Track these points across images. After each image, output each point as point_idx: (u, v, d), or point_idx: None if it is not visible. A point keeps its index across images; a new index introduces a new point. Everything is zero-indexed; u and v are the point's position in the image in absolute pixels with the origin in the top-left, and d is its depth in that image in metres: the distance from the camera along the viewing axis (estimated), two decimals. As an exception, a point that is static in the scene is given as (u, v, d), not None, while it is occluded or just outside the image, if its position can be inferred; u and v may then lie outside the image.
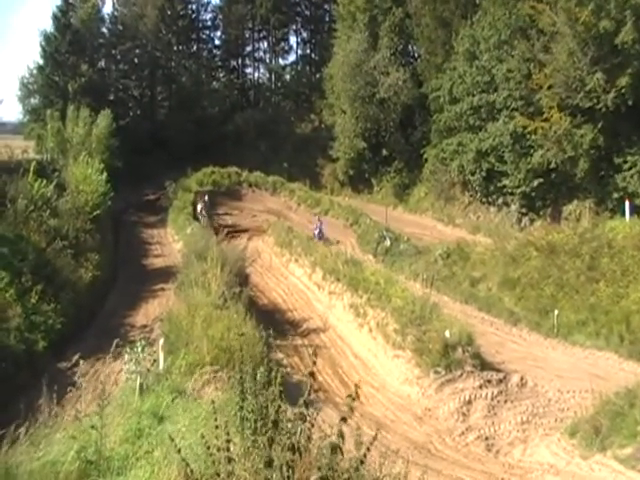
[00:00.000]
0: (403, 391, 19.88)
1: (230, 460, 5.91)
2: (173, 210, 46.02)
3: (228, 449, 5.93)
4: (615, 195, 33.85)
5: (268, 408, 8.08)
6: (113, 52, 64.57)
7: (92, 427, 9.18)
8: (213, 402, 7.74)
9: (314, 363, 4.09)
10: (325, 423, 7.75)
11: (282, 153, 56.95)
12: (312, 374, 4.10)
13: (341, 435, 4.09)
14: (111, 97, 62.69)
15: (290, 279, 33.19)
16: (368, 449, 4.50)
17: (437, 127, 45.56)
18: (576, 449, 15.70)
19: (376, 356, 22.12)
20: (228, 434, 6.02)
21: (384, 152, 51.19)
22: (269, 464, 3.93)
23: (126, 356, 15.89)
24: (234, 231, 42.91)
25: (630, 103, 32.65)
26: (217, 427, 6.54)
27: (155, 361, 17.00)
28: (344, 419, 4.17)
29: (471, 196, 41.94)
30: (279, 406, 4.18)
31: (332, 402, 19.04)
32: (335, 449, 3.97)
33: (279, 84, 73.37)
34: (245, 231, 43.31)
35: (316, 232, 38.85)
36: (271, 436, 4.05)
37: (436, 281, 27.82)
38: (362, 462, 4.28)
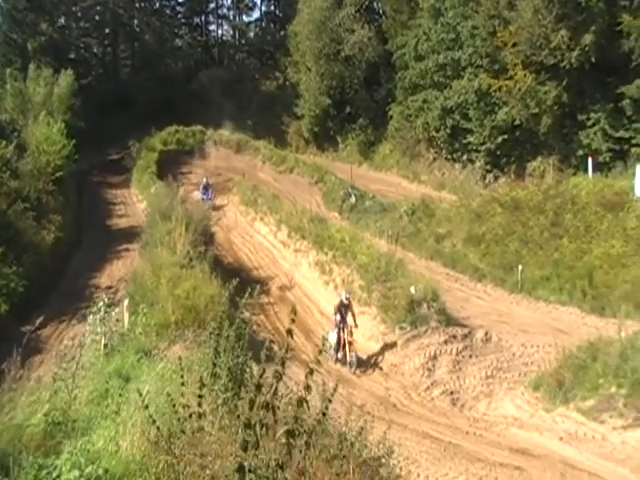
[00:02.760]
0: (369, 347, 20.01)
1: (200, 416, 5.88)
2: (137, 170, 45.45)
3: (200, 405, 5.91)
4: (579, 152, 34.01)
5: (240, 366, 8.15)
6: (73, 9, 62.81)
7: (58, 389, 9.06)
8: (180, 360, 7.67)
9: (293, 321, 3.99)
10: (292, 380, 7.72)
11: (247, 111, 56.23)
12: (290, 332, 4.03)
13: (307, 388, 4.00)
14: (72, 56, 61.23)
15: (256, 237, 33.09)
16: (330, 400, 4.47)
17: (402, 84, 45.28)
18: (540, 402, 16.00)
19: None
20: (199, 391, 5.98)
21: (349, 109, 50.86)
22: (249, 425, 3.85)
23: (90, 317, 15.73)
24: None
25: (594, 61, 32.68)
26: (183, 384, 6.51)
27: (119, 321, 16.88)
28: (310, 372, 4.08)
29: (436, 153, 41.93)
30: (263, 369, 4.09)
31: (298, 359, 19.07)
32: (301, 403, 3.88)
33: (243, 42, 72.21)
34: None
35: (202, 194, 39.88)
36: (252, 397, 3.96)
37: (401, 238, 27.92)
38: (324, 414, 4.20)
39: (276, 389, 3.87)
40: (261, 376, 4.27)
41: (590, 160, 31.32)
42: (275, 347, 17.30)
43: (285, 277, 27.27)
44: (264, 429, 3.76)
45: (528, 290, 23.13)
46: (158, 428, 5.98)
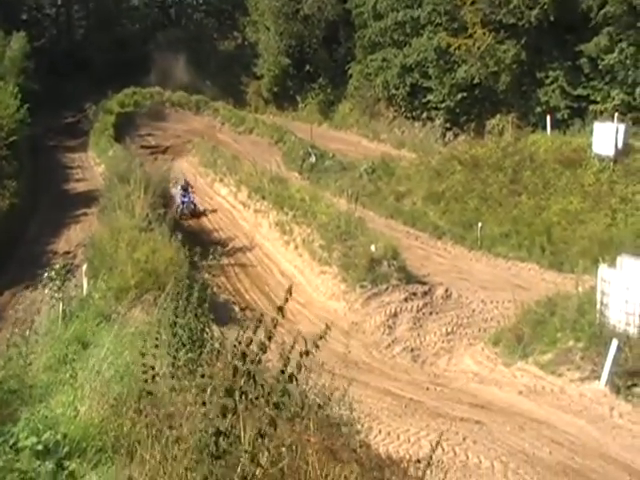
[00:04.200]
0: (330, 306, 20.07)
1: (160, 377, 5.89)
2: (94, 133, 44.60)
3: (160, 366, 5.98)
4: (537, 109, 34.21)
5: (201, 327, 8.08)
6: (24, -31, 60.60)
7: (14, 356, 8.86)
8: (140, 322, 7.59)
9: (287, 300, 3.94)
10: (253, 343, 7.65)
11: (205, 72, 55.27)
12: (280, 309, 3.99)
13: (263, 348, 3.92)
14: (24, 17, 59.18)
15: (215, 199, 32.83)
16: (288, 358, 4.40)
17: (361, 43, 44.91)
18: (499, 357, 16.22)
19: (302, 273, 22.22)
20: (158, 352, 6.01)
21: (308, 69, 50.38)
22: (230, 392, 3.79)
23: (47, 283, 15.47)
24: (157, 152, 41.91)
25: (552, 19, 32.68)
26: (143, 346, 6.42)
27: (78, 287, 16.64)
28: (269, 337, 4.01)
29: (395, 111, 41.77)
30: (262, 343, 4.02)
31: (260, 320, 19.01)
32: (260, 361, 3.90)
33: (201, 1, 70.60)
34: (168, 151, 42.32)
35: (180, 200, 30.94)
36: (236, 365, 3.90)
37: (361, 196, 27.87)
38: (282, 372, 4.15)
39: (260, 360, 3.88)
40: (240, 343, 4.27)
41: (548, 117, 31.44)
42: (236, 308, 17.23)
43: (245, 238, 27.11)
44: (243, 397, 3.78)
45: (487, 247, 23.32)
46: (118, 392, 5.93)
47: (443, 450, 12.50)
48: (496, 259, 22.68)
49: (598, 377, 14.62)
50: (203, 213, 31.35)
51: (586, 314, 16.31)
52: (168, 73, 51.70)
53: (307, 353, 4.09)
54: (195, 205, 31.37)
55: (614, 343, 14.65)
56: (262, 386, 4.02)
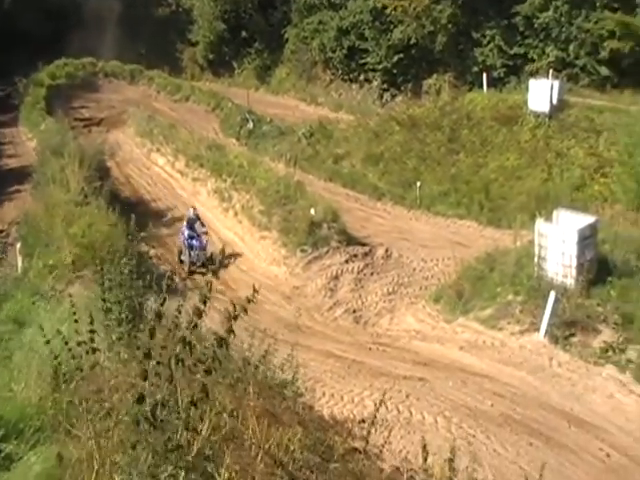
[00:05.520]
0: (271, 272, 19.81)
1: (95, 351, 5.72)
2: (25, 107, 42.91)
3: (93, 340, 5.75)
4: (474, 68, 34.30)
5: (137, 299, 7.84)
6: None
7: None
8: (75, 297, 7.28)
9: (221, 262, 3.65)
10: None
11: (139, 40, 53.69)
12: (215, 273, 3.71)
13: (198, 312, 3.82)
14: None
15: (153, 169, 31.96)
16: (232, 324, 4.14)
17: (297, 6, 44.20)
18: (440, 314, 16.25)
19: (243, 239, 21.88)
20: (93, 327, 5.86)
21: (244, 34, 49.41)
22: (148, 355, 3.75)
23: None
24: (91, 124, 40.69)
25: (487, -21, 32.76)
26: (77, 321, 6.20)
27: (12, 265, 16.17)
28: (204, 302, 3.85)
29: (333, 74, 41.32)
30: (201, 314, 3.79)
31: (199, 288, 18.66)
32: (195, 326, 3.80)
33: (134, -34, 68.32)
34: (103, 123, 41.12)
35: (187, 242, 21.38)
36: (152, 327, 3.69)
37: (300, 160, 27.53)
38: (220, 344, 3.93)
39: (196, 325, 3.82)
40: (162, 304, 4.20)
41: (485, 76, 31.55)
42: (177, 279, 16.67)
43: (184, 207, 26.54)
44: (179, 364, 3.70)
45: (427, 206, 23.30)
46: (55, 369, 5.76)
47: (387, 408, 12.41)
48: (435, 217, 22.68)
49: (537, 329, 14.76)
50: (220, 263, 21.11)
51: (524, 268, 16.44)
52: (101, 42, 50.10)
53: (235, 317, 3.91)
54: (211, 254, 21.16)
55: (552, 295, 14.79)
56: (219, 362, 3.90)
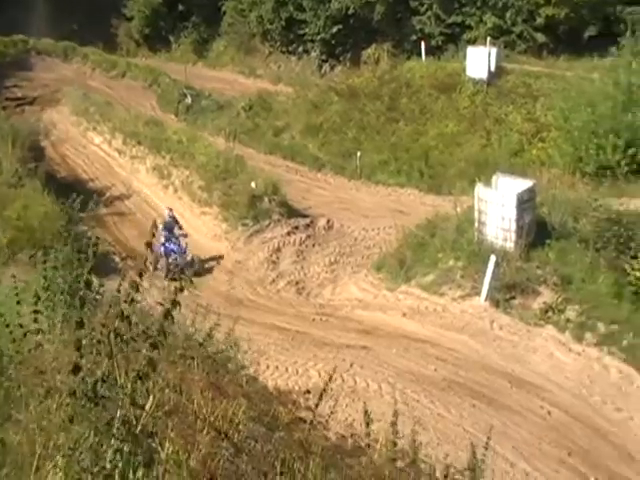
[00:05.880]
0: (212, 247, 19.53)
1: (36, 333, 5.69)
2: (-48, 89, 41.46)
3: (36, 321, 5.71)
4: (412, 37, 34.24)
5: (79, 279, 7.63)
6: None
7: None
8: (15, 279, 7.02)
9: (153, 235, 3.57)
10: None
11: (72, 15, 52.08)
12: (149, 244, 4.04)
13: (135, 286, 3.69)
14: None
15: (89, 148, 31.12)
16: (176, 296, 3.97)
17: (234, -22, 43.44)
18: (383, 282, 16.25)
19: (183, 216, 21.45)
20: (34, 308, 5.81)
21: (180, 7, 48.32)
22: (81, 325, 3.85)
23: None
24: (24, 103, 39.43)
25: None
26: (19, 303, 6.14)
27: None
28: (140, 275, 3.76)
29: (271, 46, 40.76)
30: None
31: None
32: (133, 300, 3.71)
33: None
34: (36, 102, 39.89)
35: (163, 248, 19.18)
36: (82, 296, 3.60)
37: (240, 134, 27.19)
38: (166, 316, 3.85)
39: (132, 299, 3.73)
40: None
41: (423, 44, 31.55)
42: (117, 259, 16.26)
43: (123, 186, 26.00)
44: (118, 338, 3.62)
45: (367, 175, 23.27)
46: None
47: (332, 378, 12.39)
48: (376, 186, 22.65)
49: (478, 293, 14.89)
50: (202, 267, 19.01)
51: (465, 233, 16.54)
52: (32, 19, 48.47)
53: (182, 289, 3.79)
54: (192, 258, 19.02)
55: (492, 259, 14.91)
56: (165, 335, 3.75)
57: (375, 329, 14.73)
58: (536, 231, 16.18)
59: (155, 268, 18.83)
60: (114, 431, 3.40)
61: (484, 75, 27.23)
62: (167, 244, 19.24)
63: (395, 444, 5.85)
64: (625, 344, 13.46)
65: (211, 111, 31.46)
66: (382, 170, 23.18)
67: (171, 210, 20.22)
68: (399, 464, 5.95)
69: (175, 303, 3.73)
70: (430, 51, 31.60)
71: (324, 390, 6.14)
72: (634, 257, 15.19)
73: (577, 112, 22.49)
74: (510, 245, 15.83)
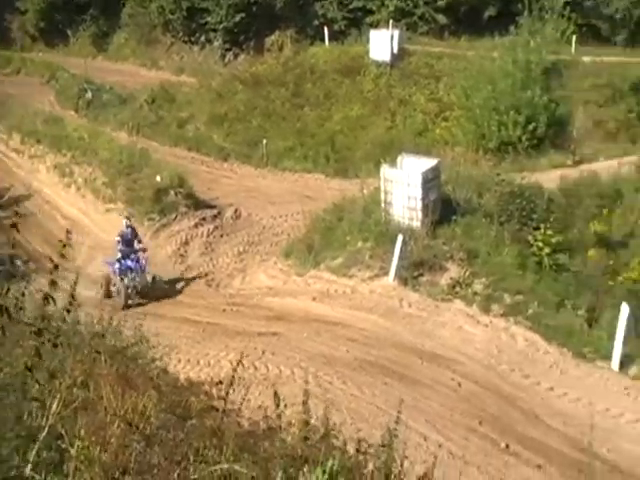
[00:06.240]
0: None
1: None
2: None
3: None
4: (315, 22, 34.16)
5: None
6: None
7: None
8: None
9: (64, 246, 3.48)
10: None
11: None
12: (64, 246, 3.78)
13: (53, 284, 3.61)
14: None
15: (-15, 151, 29.97)
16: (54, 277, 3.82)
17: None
18: (292, 268, 16.20)
19: (87, 214, 20.96)
20: None
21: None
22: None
23: None
24: None
25: None
26: None
27: None
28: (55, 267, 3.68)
29: (173, 37, 39.87)
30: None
31: (45, 270, 17.65)
32: (47, 299, 3.60)
33: None
34: None
35: (117, 266, 16.70)
36: None
37: (143, 127, 26.63)
38: (69, 311, 3.97)
39: (8, 289, 3.61)
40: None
41: (326, 29, 31.58)
42: (18, 262, 15.51)
43: (22, 186, 25.06)
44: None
45: (274, 163, 23.17)
46: None
47: (243, 367, 12.21)
48: (283, 173, 22.57)
49: (387, 273, 14.99)
50: (172, 289, 16.86)
51: (372, 215, 16.64)
52: None
53: (56, 266, 3.72)
54: (153, 278, 16.66)
55: (399, 238, 15.03)
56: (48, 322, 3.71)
57: (286, 315, 14.66)
58: (442, 208, 16.44)
59: (107, 294, 16.44)
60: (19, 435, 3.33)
61: (387, 58, 27.48)
62: (123, 261, 16.42)
63: (307, 423, 5.81)
64: (530, 313, 13.84)
65: (113, 105, 30.66)
66: (288, 157, 23.10)
67: (129, 219, 17.56)
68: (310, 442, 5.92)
69: (53, 283, 3.62)
70: (333, 36, 31.67)
71: (233, 378, 6.22)
72: (536, 228, 15.63)
73: (478, 90, 22.99)
74: (417, 224, 16.01)
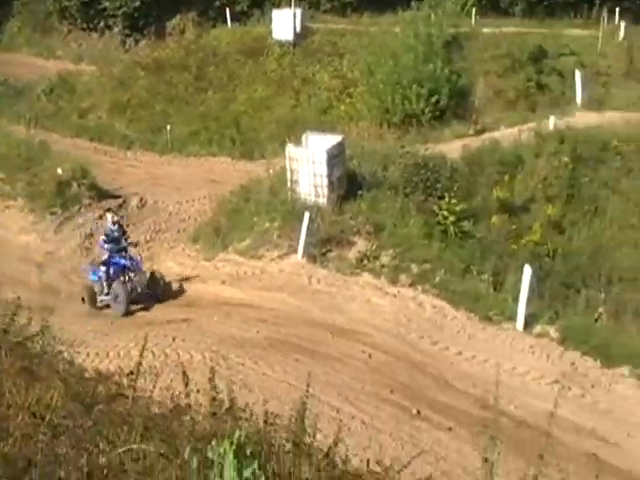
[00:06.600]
0: (21, 241, 18.41)
1: None
2: None
3: None
4: (217, 3, 33.69)
5: None
6: None
7: None
8: None
9: None
10: None
11: None
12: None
13: None
14: None
15: None
16: None
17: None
18: (200, 253, 16.04)
19: (-16, 213, 20.11)
20: None
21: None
22: None
23: None
24: None
25: None
26: None
27: None
28: None
29: (70, 24, 38.47)
30: None
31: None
32: None
33: None
34: None
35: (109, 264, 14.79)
36: None
37: (42, 119, 25.66)
38: None
39: None
40: None
41: (228, 11, 31.24)
42: None
43: None
44: None
45: (179, 148, 22.79)
46: None
47: (154, 355, 12.10)
48: (188, 159, 22.21)
49: (295, 251, 14.99)
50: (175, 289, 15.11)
51: (278, 194, 16.63)
52: None
53: None
54: (151, 274, 15.05)
55: (306, 216, 15.05)
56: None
57: (196, 300, 14.52)
58: (347, 184, 16.54)
59: (93, 302, 14.77)
60: None
61: (290, 37, 27.44)
62: (115, 259, 14.59)
63: (214, 399, 5.79)
64: (437, 280, 14.09)
65: (8, 97, 29.37)
66: (193, 141, 22.79)
67: (116, 213, 15.68)
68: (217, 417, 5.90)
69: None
70: (236, 17, 31.43)
71: (139, 364, 6.14)
72: (441, 198, 15.93)
73: (381, 66, 23.17)
74: (323, 200, 16.07)
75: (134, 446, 4.08)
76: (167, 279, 15.07)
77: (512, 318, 13.01)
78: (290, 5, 29.12)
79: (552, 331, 12.75)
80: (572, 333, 12.55)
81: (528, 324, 12.87)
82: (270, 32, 27.84)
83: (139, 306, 14.54)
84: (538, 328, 12.88)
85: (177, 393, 9.16)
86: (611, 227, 16.53)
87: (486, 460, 5.24)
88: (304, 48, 27.09)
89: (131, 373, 6.87)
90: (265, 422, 6.11)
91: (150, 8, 35.29)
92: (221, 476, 3.73)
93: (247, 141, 21.63)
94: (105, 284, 14.56)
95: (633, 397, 11.51)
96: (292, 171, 16.45)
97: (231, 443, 3.81)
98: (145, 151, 23.30)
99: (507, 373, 11.95)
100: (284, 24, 27.69)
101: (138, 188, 19.66)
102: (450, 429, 10.65)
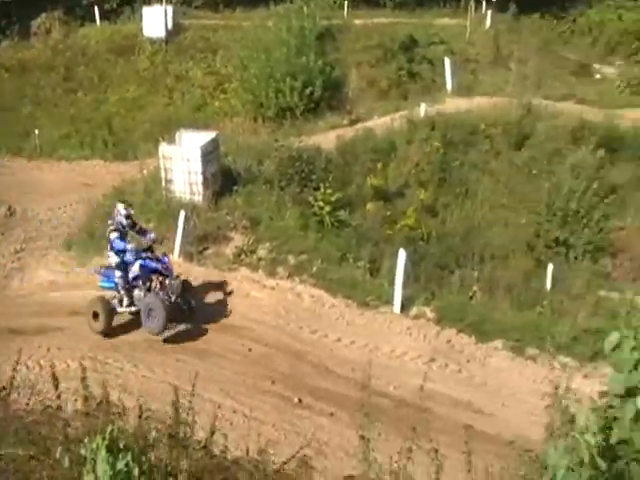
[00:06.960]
0: None
1: None
2: None
3: None
4: (84, 2, 32.62)
5: None
6: None
7: None
8: None
9: None
10: None
11: None
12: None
13: None
14: None
15: None
16: None
17: None
18: (73, 260, 15.62)
19: None
20: None
21: None
22: None
23: None
24: None
25: None
26: None
27: None
28: None
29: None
30: None
31: None
32: None
33: None
34: None
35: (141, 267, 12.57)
36: None
37: None
38: None
39: None
40: None
41: (97, 9, 30.38)
42: None
43: None
44: None
45: (48, 153, 21.94)
46: None
47: (28, 368, 11.70)
48: (59, 163, 21.40)
49: (172, 250, 14.76)
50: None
51: (153, 194, 16.45)
52: None
53: None
54: (177, 277, 12.76)
55: (182, 214, 14.97)
56: None
57: (73, 308, 14.05)
58: (222, 180, 16.52)
59: (110, 317, 12.57)
60: None
61: (162, 34, 27.02)
62: (144, 261, 12.28)
63: (87, 398, 5.69)
64: (314, 270, 14.30)
65: None
66: (64, 145, 22.01)
67: (131, 206, 12.92)
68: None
69: None
70: (105, 15, 30.55)
71: (12, 379, 6.23)
72: (316, 189, 16.14)
73: (254, 60, 23.15)
74: (198, 198, 16.01)
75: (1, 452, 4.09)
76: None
77: (389, 302, 13.36)
78: (161, 2, 28.63)
79: (428, 312, 13.19)
80: (447, 312, 13.03)
81: (405, 307, 13.26)
82: (141, 30, 27.30)
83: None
84: (414, 310, 13.28)
85: (49, 397, 9.01)
86: (482, 208, 17.12)
87: (362, 437, 5.41)
88: (176, 45, 26.73)
89: (4, 388, 6.69)
90: (140, 417, 6.09)
91: (12, 7, 33.81)
92: (94, 471, 3.73)
93: (120, 142, 21.13)
94: (124, 292, 12.60)
95: (506, 369, 12.08)
96: (166, 170, 16.29)
97: (103, 438, 3.81)
98: (12, 156, 22.16)
99: (385, 355, 12.32)
100: (155, 21, 27.22)
101: (6, 196, 18.77)
102: (332, 414, 10.86)
